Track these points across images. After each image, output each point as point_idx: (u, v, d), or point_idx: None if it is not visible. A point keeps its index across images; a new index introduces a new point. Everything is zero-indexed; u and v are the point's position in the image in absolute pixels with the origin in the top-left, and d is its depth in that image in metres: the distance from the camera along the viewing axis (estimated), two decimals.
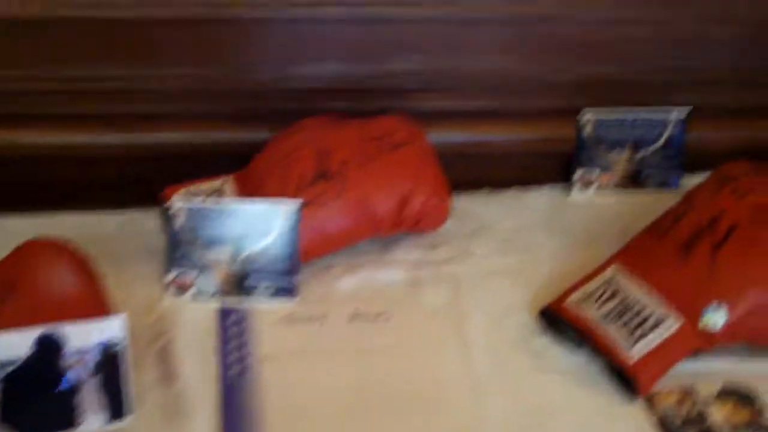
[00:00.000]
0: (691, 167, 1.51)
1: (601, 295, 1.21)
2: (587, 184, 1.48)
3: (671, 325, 1.16)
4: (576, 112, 1.46)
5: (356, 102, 1.43)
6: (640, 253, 1.23)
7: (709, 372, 1.18)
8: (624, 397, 1.15)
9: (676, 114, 1.46)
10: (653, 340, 1.16)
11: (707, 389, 1.16)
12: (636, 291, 1.20)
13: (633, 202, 1.48)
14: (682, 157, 1.47)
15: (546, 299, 1.25)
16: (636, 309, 1.18)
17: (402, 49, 1.42)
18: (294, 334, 1.22)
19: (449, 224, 1.40)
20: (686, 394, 1.15)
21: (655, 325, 1.17)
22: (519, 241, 1.39)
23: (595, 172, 1.48)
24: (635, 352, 1.15)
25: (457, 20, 1.40)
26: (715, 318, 1.16)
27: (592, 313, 1.19)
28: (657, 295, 1.19)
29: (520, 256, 1.36)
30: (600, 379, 1.18)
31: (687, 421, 1.12)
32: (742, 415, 1.13)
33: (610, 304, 1.20)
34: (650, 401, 1.14)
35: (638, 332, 1.16)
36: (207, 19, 1.34)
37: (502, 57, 1.44)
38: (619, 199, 1.49)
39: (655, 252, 1.22)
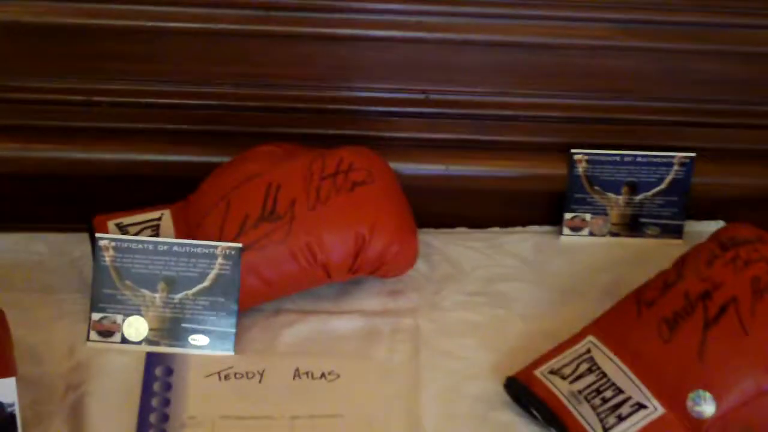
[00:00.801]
0: (699, 215, 1.35)
1: (574, 370, 1.06)
2: (578, 229, 1.32)
3: (651, 411, 1.02)
4: (569, 148, 1.29)
5: (319, 127, 1.29)
6: (621, 324, 1.08)
7: None
8: None
9: (682, 156, 1.29)
10: (630, 427, 1.02)
11: None
12: (613, 369, 1.05)
13: (629, 251, 1.32)
14: (685, 202, 1.31)
15: (515, 366, 1.11)
16: (612, 390, 1.03)
17: (372, 72, 1.27)
18: (227, 393, 1.08)
19: (418, 266, 1.26)
20: None
21: (633, 411, 1.02)
22: (493, 293, 1.24)
23: (588, 216, 1.32)
24: None
25: (438, 42, 1.26)
26: (703, 408, 1.01)
27: (564, 388, 1.04)
28: (636, 377, 1.03)
29: (491, 311, 1.22)
30: None
31: None
32: None
33: (584, 381, 1.05)
34: None
35: (613, 417, 1.01)
36: (150, 29, 1.18)
37: (485, 83, 1.28)
38: (613, 247, 1.33)
39: (635, 325, 1.07)
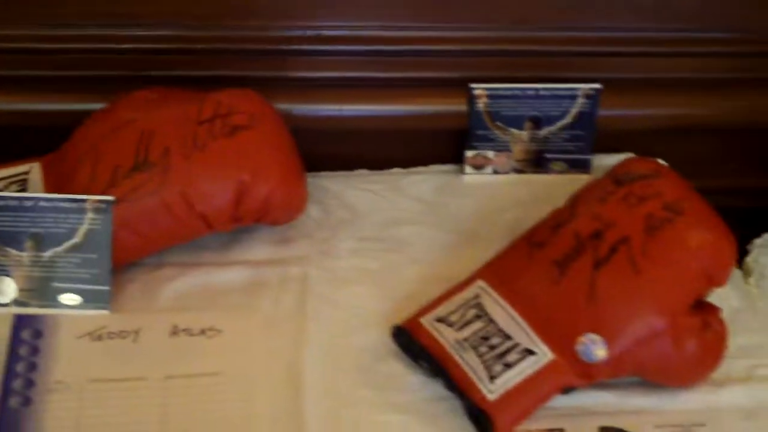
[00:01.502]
0: (608, 148, 1.29)
1: (462, 317, 1.00)
2: (480, 167, 1.26)
3: (540, 358, 0.97)
4: (468, 83, 1.22)
5: (203, 69, 1.22)
6: (511, 267, 1.03)
7: (583, 412, 0.99)
8: None
9: (586, 88, 1.23)
10: (517, 374, 0.97)
11: None
12: (501, 315, 1.00)
13: (534, 188, 1.27)
14: (592, 136, 1.25)
15: (406, 314, 1.05)
16: (500, 337, 0.98)
17: (260, 9, 1.21)
18: (98, 354, 1.03)
19: (312, 213, 1.21)
20: None
21: (521, 358, 0.97)
22: (389, 238, 1.19)
23: (490, 153, 1.26)
24: (494, 388, 0.95)
25: None
26: (593, 352, 0.96)
27: (450, 337, 0.99)
28: (525, 322, 0.98)
29: (386, 257, 1.16)
30: (453, 419, 0.96)
31: None
32: None
33: (471, 329, 1.00)
34: None
35: (499, 365, 0.96)
36: None
37: (378, 17, 1.21)
38: (517, 185, 1.27)
39: (525, 268, 1.01)
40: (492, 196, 1.26)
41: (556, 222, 1.03)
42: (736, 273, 1.18)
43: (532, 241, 1.03)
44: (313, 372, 1.02)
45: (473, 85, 1.24)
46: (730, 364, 1.05)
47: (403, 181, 1.27)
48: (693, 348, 0.98)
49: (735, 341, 1.07)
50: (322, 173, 1.27)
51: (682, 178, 1.06)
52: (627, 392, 1.01)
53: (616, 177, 1.05)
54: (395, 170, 1.29)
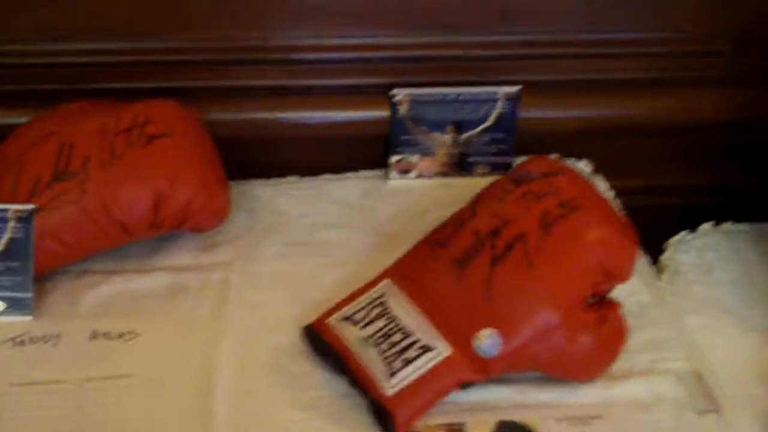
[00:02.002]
0: (533, 150, 1.32)
1: (366, 315, 1.03)
2: (405, 171, 1.29)
3: (438, 354, 1.00)
4: (390, 89, 1.26)
5: (133, 81, 1.26)
6: (415, 266, 1.06)
7: (484, 407, 1.01)
8: None
9: (506, 90, 1.26)
10: (416, 370, 0.99)
11: (479, 428, 0.99)
12: (403, 313, 1.03)
13: (458, 191, 1.28)
14: (513, 138, 1.28)
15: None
16: (401, 334, 1.01)
17: (191, 22, 1.25)
18: (20, 359, 1.07)
19: (240, 219, 1.24)
20: None
21: (420, 354, 1.00)
22: (314, 242, 1.22)
23: (415, 157, 1.29)
24: (394, 383, 0.98)
25: None
26: (489, 346, 0.99)
27: (352, 335, 1.02)
28: (426, 319, 1.01)
29: (309, 261, 1.19)
30: (356, 415, 1.00)
31: None
32: None
33: (374, 327, 1.03)
34: None
35: (399, 361, 0.99)
36: None
37: (300, 27, 1.26)
38: (442, 188, 1.30)
39: (429, 267, 1.04)
40: (416, 199, 1.29)
41: (457, 221, 1.06)
42: (650, 270, 1.20)
43: (435, 241, 1.06)
44: (225, 372, 1.05)
45: (394, 91, 1.27)
46: (633, 358, 1.08)
47: (330, 186, 1.31)
48: (588, 342, 1.01)
49: (641, 336, 1.10)
50: (254, 181, 1.30)
51: (581, 177, 1.08)
52: (527, 387, 1.04)
53: (515, 176, 1.08)
54: (324, 176, 1.32)
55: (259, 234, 1.23)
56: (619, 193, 1.31)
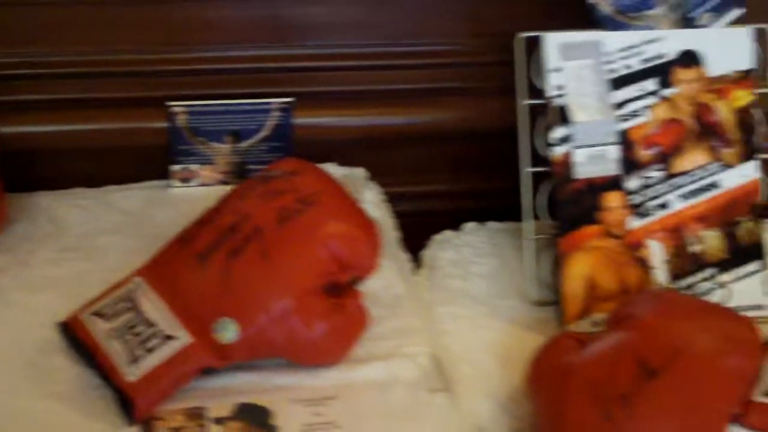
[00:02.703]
0: (311, 158, 1.38)
1: (113, 309, 1.08)
2: (187, 180, 1.35)
3: (179, 342, 1.05)
4: (168, 101, 1.32)
5: None
6: (163, 263, 1.12)
7: (225, 392, 1.06)
8: (126, 422, 1.02)
9: (280, 102, 1.33)
10: (157, 358, 1.04)
11: (218, 411, 1.04)
12: (150, 306, 1.08)
13: None
14: (290, 147, 1.34)
15: None
16: (144, 325, 1.07)
17: None
18: None
19: (19, 228, 1.28)
20: (192, 417, 1.03)
21: (161, 343, 1.05)
22: (88, 248, 1.26)
23: (195, 166, 1.35)
24: (135, 371, 1.03)
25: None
26: (226, 333, 1.04)
27: (101, 328, 1.07)
28: (170, 310, 1.07)
29: (80, 266, 1.23)
30: (103, 405, 1.04)
31: None
32: None
33: (121, 319, 1.08)
34: (148, 426, 1.02)
35: (141, 350, 1.04)
36: None
37: (79, 42, 1.31)
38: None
39: (175, 262, 1.10)
40: (196, 206, 1.32)
41: (203, 219, 1.12)
42: (409, 265, 1.27)
43: (182, 238, 1.12)
44: None
45: (171, 103, 1.33)
46: (377, 344, 1.14)
47: (113, 196, 1.36)
48: (323, 328, 1.07)
49: (389, 324, 1.17)
50: (39, 192, 1.34)
51: (324, 175, 1.15)
52: (269, 373, 1.09)
53: (261, 176, 1.14)
54: (108, 187, 1.37)
55: (36, 241, 1.27)
56: (393, 198, 1.38)
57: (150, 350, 1.05)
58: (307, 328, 1.06)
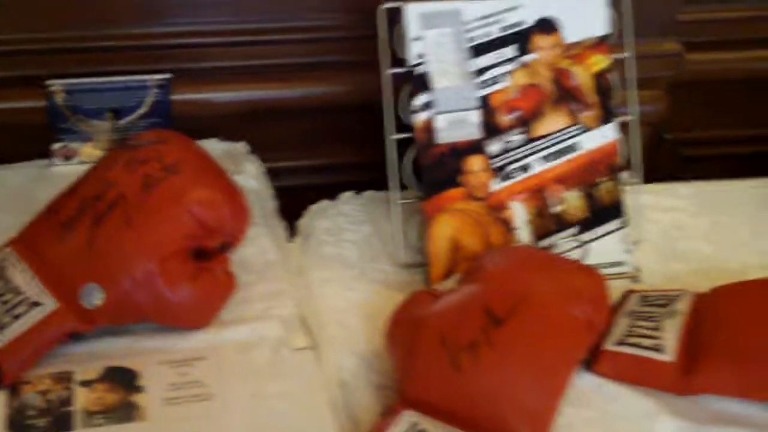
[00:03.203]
0: (194, 133, 1.41)
1: None
2: (69, 157, 1.37)
3: (45, 308, 1.08)
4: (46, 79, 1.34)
5: None
6: (32, 233, 1.14)
7: (95, 357, 1.10)
8: None
9: (157, 78, 1.36)
10: (22, 325, 1.07)
11: (86, 374, 1.07)
12: (18, 275, 1.11)
13: None
14: (169, 123, 1.38)
15: None
16: (12, 293, 1.09)
17: None
18: None
19: None
20: (59, 380, 1.06)
21: (28, 309, 1.08)
22: None
23: (76, 144, 1.37)
24: (1, 338, 1.06)
25: None
26: (91, 298, 1.07)
27: None
28: (37, 279, 1.09)
29: None
30: None
31: (45, 410, 1.02)
32: (112, 397, 1.04)
33: None
34: (15, 390, 1.04)
35: (8, 318, 1.07)
36: None
37: None
38: None
39: (43, 231, 1.13)
40: None
41: (70, 189, 1.15)
42: (284, 233, 1.31)
43: (50, 209, 1.15)
44: None
45: (49, 82, 1.35)
46: (247, 307, 1.18)
47: None
48: (188, 291, 1.10)
49: (260, 288, 1.21)
50: None
51: (189, 144, 1.18)
52: (138, 337, 1.13)
53: (127, 145, 1.17)
54: None
55: None
56: (277, 172, 1.42)
57: (17, 317, 1.07)
58: (171, 291, 1.09)
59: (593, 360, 1.11)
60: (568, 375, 1.05)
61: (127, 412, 1.03)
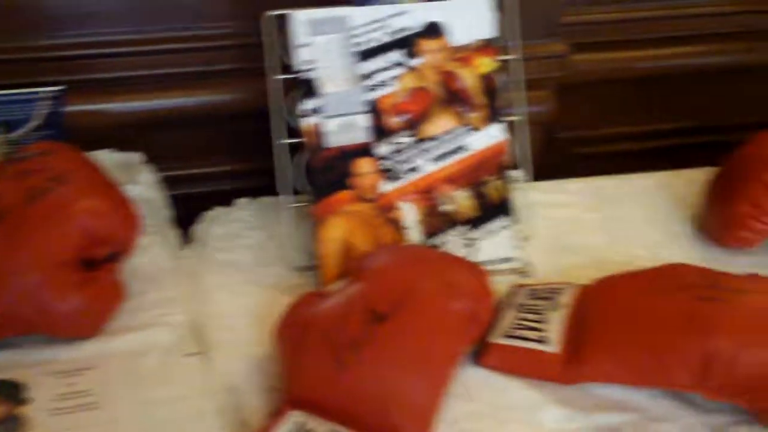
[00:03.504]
0: (91, 144, 1.42)
1: None
2: None
3: None
4: None
5: None
6: None
7: None
8: None
9: (49, 91, 1.35)
10: None
11: None
12: None
13: None
14: (62, 134, 1.37)
15: None
16: None
17: None
18: None
19: None
20: None
21: None
22: None
23: None
24: None
25: None
26: None
27: None
28: None
29: None
30: None
31: None
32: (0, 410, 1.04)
33: None
34: None
35: None
36: None
37: None
38: None
39: None
40: None
41: None
42: (177, 240, 1.31)
43: None
44: None
45: None
46: (138, 316, 1.19)
47: None
48: (75, 301, 1.10)
49: (151, 296, 1.22)
50: None
51: (77, 155, 1.19)
52: (26, 349, 1.13)
53: (13, 158, 1.17)
54: None
55: None
56: (174, 180, 1.42)
57: None
58: (58, 302, 1.09)
59: (480, 353, 1.13)
60: (450, 369, 1.07)
61: (12, 425, 1.02)
